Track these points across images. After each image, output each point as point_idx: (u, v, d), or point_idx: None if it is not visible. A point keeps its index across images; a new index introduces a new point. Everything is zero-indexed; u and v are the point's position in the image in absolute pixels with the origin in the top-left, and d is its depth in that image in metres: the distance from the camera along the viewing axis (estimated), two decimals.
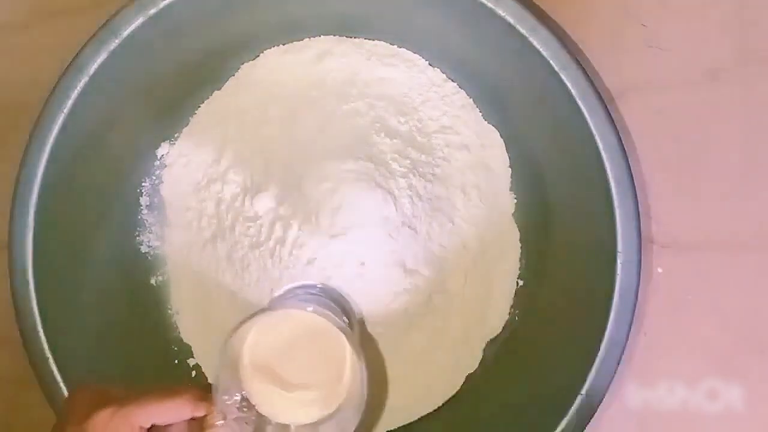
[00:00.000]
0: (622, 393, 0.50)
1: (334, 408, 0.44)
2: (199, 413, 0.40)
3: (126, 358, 0.51)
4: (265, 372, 0.43)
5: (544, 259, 0.51)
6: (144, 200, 0.53)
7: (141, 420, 0.38)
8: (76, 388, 0.42)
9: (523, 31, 0.47)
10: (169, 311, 0.53)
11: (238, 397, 0.42)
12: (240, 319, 0.41)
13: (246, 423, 0.42)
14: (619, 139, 0.46)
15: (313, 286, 0.48)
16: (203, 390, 0.40)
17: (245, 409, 0.43)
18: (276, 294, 0.47)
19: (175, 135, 0.54)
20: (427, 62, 0.53)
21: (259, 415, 0.43)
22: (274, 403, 0.43)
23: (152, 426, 0.39)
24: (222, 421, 0.40)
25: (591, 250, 0.48)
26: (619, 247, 0.46)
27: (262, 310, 0.42)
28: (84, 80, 0.47)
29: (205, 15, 0.50)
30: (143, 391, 0.40)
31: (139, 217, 0.53)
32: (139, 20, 0.47)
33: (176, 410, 0.40)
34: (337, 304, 0.47)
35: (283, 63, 0.54)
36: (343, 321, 0.45)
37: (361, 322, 0.50)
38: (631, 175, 0.46)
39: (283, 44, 0.54)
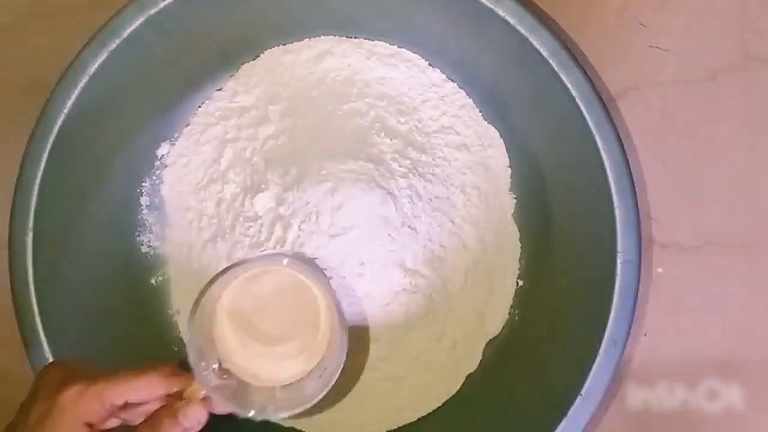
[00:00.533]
0: (622, 393, 0.50)
1: (314, 363, 0.43)
2: (173, 389, 0.39)
3: (126, 357, 0.50)
4: (242, 326, 0.43)
5: (544, 259, 0.51)
6: (144, 200, 0.53)
7: (113, 397, 0.37)
8: (48, 365, 0.40)
9: (523, 31, 0.47)
10: (169, 311, 0.53)
11: (216, 366, 0.41)
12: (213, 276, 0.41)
13: (227, 390, 0.40)
14: (619, 139, 0.46)
15: (283, 255, 0.47)
16: (176, 366, 0.39)
17: (225, 377, 0.41)
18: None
19: (175, 135, 0.54)
20: (427, 62, 0.54)
21: (241, 382, 0.42)
22: (255, 367, 0.43)
23: (126, 404, 0.38)
24: (203, 391, 0.39)
25: (591, 250, 0.48)
26: (619, 247, 0.46)
27: (234, 265, 0.42)
28: (84, 80, 0.47)
29: (205, 15, 0.50)
30: (116, 368, 0.38)
31: (139, 217, 0.53)
32: (139, 20, 0.48)
33: (149, 387, 0.38)
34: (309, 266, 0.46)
35: (283, 63, 0.54)
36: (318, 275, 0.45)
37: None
38: (631, 175, 0.46)
39: (283, 44, 0.54)
